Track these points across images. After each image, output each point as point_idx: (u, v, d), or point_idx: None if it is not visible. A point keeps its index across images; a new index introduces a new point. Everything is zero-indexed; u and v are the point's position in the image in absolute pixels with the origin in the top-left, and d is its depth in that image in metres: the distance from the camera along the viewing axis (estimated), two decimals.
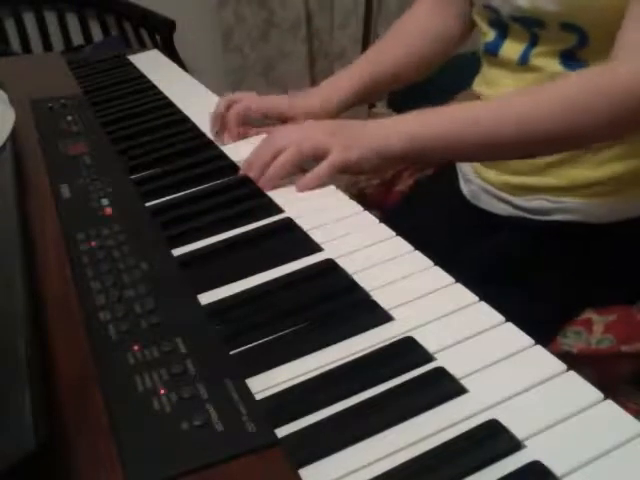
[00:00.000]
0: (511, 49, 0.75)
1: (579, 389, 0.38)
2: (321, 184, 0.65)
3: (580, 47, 0.68)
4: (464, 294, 0.47)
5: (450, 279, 0.49)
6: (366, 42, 2.47)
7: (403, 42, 0.90)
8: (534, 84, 0.72)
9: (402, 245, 0.54)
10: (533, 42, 0.72)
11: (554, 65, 0.71)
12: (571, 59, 0.70)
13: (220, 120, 0.82)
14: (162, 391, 0.41)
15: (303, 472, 0.35)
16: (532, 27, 0.71)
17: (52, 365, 0.44)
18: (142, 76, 1.07)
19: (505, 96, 0.71)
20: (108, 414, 0.39)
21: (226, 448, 0.37)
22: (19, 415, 0.35)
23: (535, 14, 0.70)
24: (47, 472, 0.35)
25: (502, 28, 0.76)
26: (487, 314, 0.45)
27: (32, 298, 0.48)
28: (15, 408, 0.35)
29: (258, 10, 2.48)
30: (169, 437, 0.37)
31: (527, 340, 0.42)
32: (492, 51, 0.78)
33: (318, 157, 0.65)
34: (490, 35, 0.78)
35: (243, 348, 0.44)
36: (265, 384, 0.41)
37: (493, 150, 0.66)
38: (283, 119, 0.82)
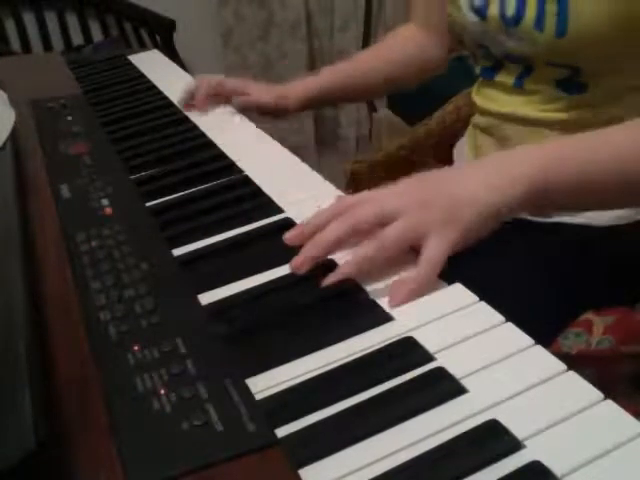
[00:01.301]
0: (505, 77, 0.76)
1: (579, 389, 0.38)
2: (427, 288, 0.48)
3: (574, 76, 0.69)
4: (464, 294, 0.47)
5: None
6: (366, 45, 2.47)
7: (374, 61, 0.95)
8: (533, 102, 0.73)
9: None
10: (527, 72, 0.73)
11: (551, 89, 0.72)
12: (567, 84, 0.70)
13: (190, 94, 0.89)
14: (162, 391, 0.40)
15: (303, 472, 0.35)
16: (524, 63, 0.72)
17: (52, 365, 0.44)
18: (142, 76, 1.07)
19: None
20: (108, 414, 0.39)
21: (226, 448, 0.36)
22: (19, 415, 0.35)
23: (524, 55, 0.70)
24: (47, 472, 0.35)
25: (495, 61, 0.77)
26: (487, 314, 0.45)
27: (32, 298, 0.48)
28: (15, 408, 0.35)
29: (258, 10, 2.48)
30: (169, 437, 0.37)
31: (527, 340, 0.42)
32: (487, 77, 0.79)
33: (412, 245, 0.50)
34: (485, 62, 0.79)
35: (243, 348, 0.44)
36: (265, 384, 0.41)
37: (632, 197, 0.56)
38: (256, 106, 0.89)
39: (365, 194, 0.53)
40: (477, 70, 0.82)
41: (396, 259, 0.50)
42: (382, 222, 0.50)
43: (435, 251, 0.48)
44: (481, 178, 0.52)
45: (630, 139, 0.54)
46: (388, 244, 0.49)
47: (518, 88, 0.74)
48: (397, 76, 0.95)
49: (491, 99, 0.79)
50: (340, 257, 0.52)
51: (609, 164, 0.53)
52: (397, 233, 0.49)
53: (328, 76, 0.92)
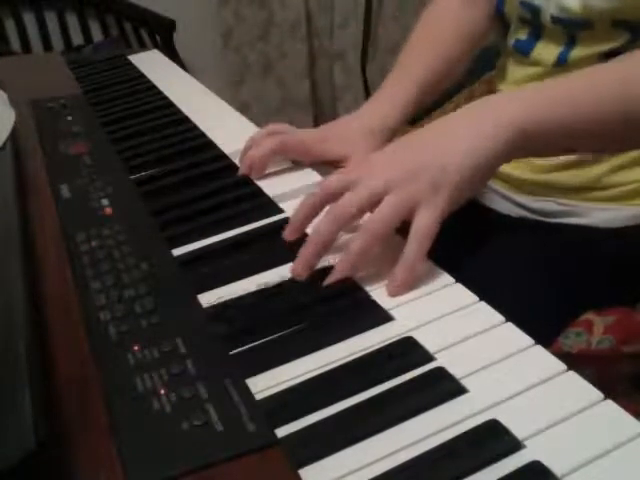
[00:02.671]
0: (546, 51, 0.72)
1: (579, 389, 0.38)
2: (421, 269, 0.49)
3: (630, 44, 0.66)
4: (464, 294, 0.47)
5: (450, 279, 0.49)
6: (366, 42, 2.47)
7: (436, 47, 0.81)
8: None
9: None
10: (571, 43, 0.70)
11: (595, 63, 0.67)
12: (616, 54, 0.67)
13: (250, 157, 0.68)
14: (162, 391, 0.40)
15: (303, 472, 0.35)
16: (574, 29, 0.68)
17: (52, 365, 0.44)
18: (142, 76, 1.07)
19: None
20: (108, 414, 0.39)
21: (226, 448, 0.36)
22: (19, 415, 0.35)
23: (585, 15, 0.66)
24: (47, 472, 0.35)
25: (536, 28, 0.73)
26: (487, 314, 0.45)
27: (32, 298, 0.48)
28: (15, 408, 0.35)
29: (258, 10, 2.48)
30: (169, 437, 0.37)
31: (527, 340, 0.42)
32: (523, 51, 0.75)
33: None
34: (521, 33, 0.75)
35: (243, 348, 0.44)
36: (265, 384, 0.41)
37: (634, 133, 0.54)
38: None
39: (349, 176, 0.53)
40: (510, 44, 0.77)
41: (395, 257, 0.50)
42: (371, 203, 0.50)
43: (425, 220, 0.48)
44: (463, 134, 0.51)
45: (613, 81, 0.53)
46: (379, 227, 0.49)
47: (559, 66, 0.71)
48: (439, 81, 0.81)
49: (522, 82, 0.76)
50: (337, 256, 0.52)
51: (589, 107, 0.52)
52: (385, 214, 0.49)
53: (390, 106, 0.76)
